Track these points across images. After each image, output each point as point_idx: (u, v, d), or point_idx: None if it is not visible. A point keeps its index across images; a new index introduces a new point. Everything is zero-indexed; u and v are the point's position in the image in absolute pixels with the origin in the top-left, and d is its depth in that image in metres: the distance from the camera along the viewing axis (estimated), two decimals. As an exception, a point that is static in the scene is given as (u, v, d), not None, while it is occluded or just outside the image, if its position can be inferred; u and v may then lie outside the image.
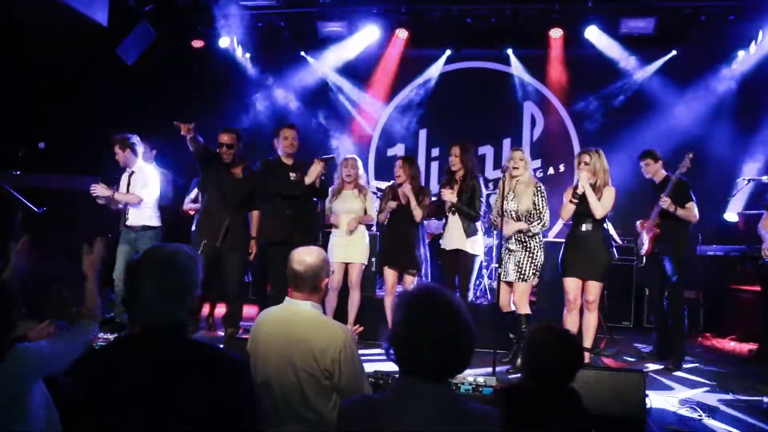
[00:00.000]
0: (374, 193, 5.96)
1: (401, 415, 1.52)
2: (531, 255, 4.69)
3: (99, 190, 5.01)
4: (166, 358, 1.66)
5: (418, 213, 5.06)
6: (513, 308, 4.83)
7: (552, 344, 2.15)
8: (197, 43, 7.96)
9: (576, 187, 4.66)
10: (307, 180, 4.94)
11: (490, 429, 1.55)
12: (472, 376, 3.65)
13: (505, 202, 4.69)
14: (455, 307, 1.60)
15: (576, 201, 4.63)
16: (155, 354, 1.66)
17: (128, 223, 5.20)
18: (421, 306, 1.59)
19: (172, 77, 7.83)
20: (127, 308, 1.71)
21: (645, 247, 5.10)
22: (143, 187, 5.14)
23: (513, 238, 4.74)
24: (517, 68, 8.02)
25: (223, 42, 7.97)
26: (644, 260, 5.20)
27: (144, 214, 5.18)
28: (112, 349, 1.72)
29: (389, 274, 5.20)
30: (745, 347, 5.65)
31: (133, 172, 5.19)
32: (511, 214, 4.74)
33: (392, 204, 5.14)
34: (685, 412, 3.81)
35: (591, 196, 4.56)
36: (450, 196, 4.93)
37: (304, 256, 2.43)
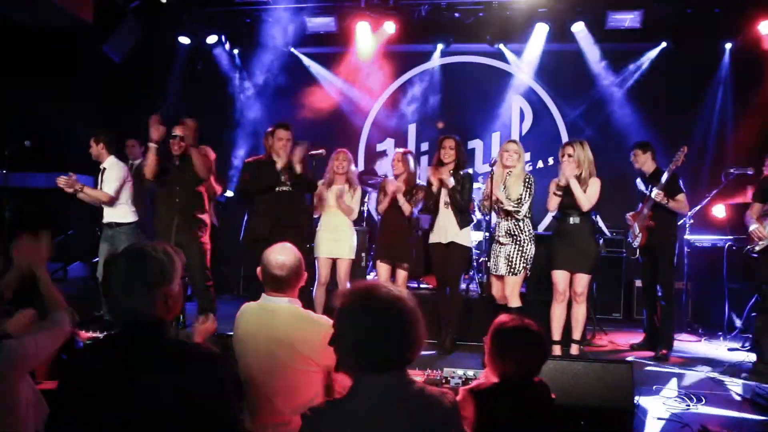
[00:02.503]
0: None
1: (358, 410, 1.54)
2: (521, 248, 4.71)
3: (63, 181, 4.87)
4: (143, 356, 1.64)
5: (406, 208, 5.07)
6: (505, 301, 4.85)
7: (513, 338, 2.14)
8: (184, 40, 7.90)
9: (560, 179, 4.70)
10: (298, 168, 4.87)
11: (443, 411, 1.57)
12: (462, 369, 3.67)
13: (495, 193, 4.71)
14: (393, 298, 1.60)
15: (559, 193, 4.67)
16: (132, 353, 1.65)
17: (104, 220, 5.17)
18: (357, 305, 1.60)
19: (159, 74, 7.78)
20: (106, 306, 1.71)
21: (639, 239, 5.14)
22: (111, 184, 5.08)
23: (503, 231, 4.76)
24: (505, 62, 8.03)
25: (211, 38, 7.93)
26: (637, 252, 5.24)
27: (117, 211, 5.13)
28: (92, 349, 1.71)
29: (382, 268, 5.21)
30: (733, 337, 5.71)
31: (104, 169, 5.15)
32: (501, 205, 4.76)
33: (385, 202, 5.14)
34: (673, 402, 3.85)
35: (576, 189, 4.59)
36: (447, 176, 4.92)
37: (281, 258, 2.38)
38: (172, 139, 4.94)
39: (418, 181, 5.25)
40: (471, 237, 5.16)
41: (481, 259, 6.42)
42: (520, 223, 4.73)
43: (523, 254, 4.70)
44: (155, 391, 1.59)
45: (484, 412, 2.00)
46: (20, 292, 2.60)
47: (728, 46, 7.30)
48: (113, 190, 5.06)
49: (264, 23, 7.61)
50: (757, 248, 4.56)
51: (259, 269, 2.42)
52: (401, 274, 5.18)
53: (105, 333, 4.13)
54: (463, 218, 4.97)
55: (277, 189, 4.96)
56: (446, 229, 4.98)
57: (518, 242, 4.71)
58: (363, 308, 1.59)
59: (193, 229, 4.96)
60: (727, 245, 5.84)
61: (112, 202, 5.08)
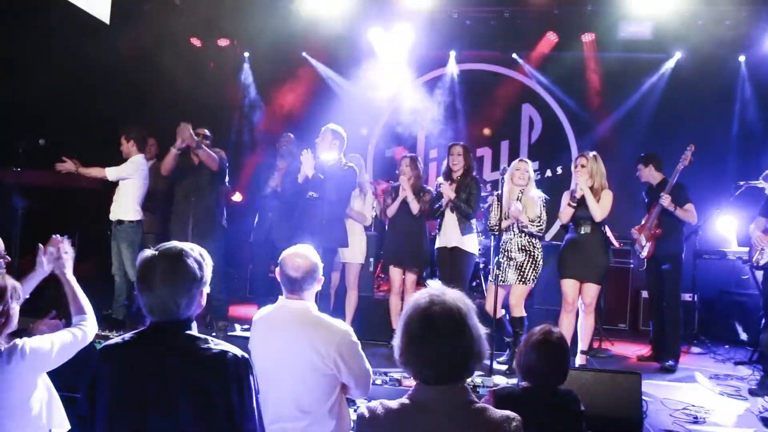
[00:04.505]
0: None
1: (417, 423, 1.53)
2: (534, 260, 4.74)
3: (61, 167, 4.95)
4: (173, 353, 1.69)
5: (414, 206, 5.07)
6: (502, 313, 4.84)
7: (536, 345, 2.21)
8: (196, 42, 7.96)
9: (574, 191, 4.71)
10: (300, 177, 4.81)
11: None
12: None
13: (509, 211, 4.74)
14: (461, 313, 1.57)
15: (575, 204, 4.68)
16: (163, 350, 1.69)
17: (110, 217, 5.23)
18: (426, 317, 1.57)
19: (170, 75, 7.81)
20: (141, 303, 1.74)
21: (646, 250, 5.13)
22: (117, 169, 5.14)
23: (516, 247, 4.76)
24: (516, 71, 8.06)
25: (222, 41, 7.99)
26: (645, 263, 5.24)
27: (121, 208, 5.18)
28: (123, 345, 1.74)
29: (395, 273, 5.22)
30: (740, 350, 5.69)
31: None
32: (525, 228, 4.77)
33: (395, 204, 5.17)
34: (680, 414, 3.84)
35: (590, 200, 4.60)
36: (448, 190, 4.94)
37: (299, 261, 2.40)
38: (204, 140, 5.08)
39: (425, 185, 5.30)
40: (476, 244, 5.17)
41: (489, 267, 6.43)
42: (533, 239, 4.76)
43: (536, 266, 4.74)
44: (186, 388, 1.63)
45: None
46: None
47: (742, 58, 7.30)
48: (113, 174, 5.09)
49: (275, 27, 7.64)
50: (762, 261, 4.54)
51: (277, 270, 2.45)
52: (410, 277, 5.19)
53: (114, 332, 4.18)
54: (467, 224, 4.98)
55: (305, 195, 4.91)
56: (450, 233, 5.00)
57: (531, 255, 4.74)
58: (417, 321, 1.57)
59: (208, 230, 5.01)
60: (735, 257, 5.83)
61: (105, 179, 5.13)
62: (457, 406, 1.55)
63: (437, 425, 1.52)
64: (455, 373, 1.57)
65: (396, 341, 1.62)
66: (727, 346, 5.83)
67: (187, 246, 1.78)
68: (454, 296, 1.61)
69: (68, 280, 2.45)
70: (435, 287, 1.64)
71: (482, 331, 1.61)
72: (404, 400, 1.58)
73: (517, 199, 4.81)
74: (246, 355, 1.72)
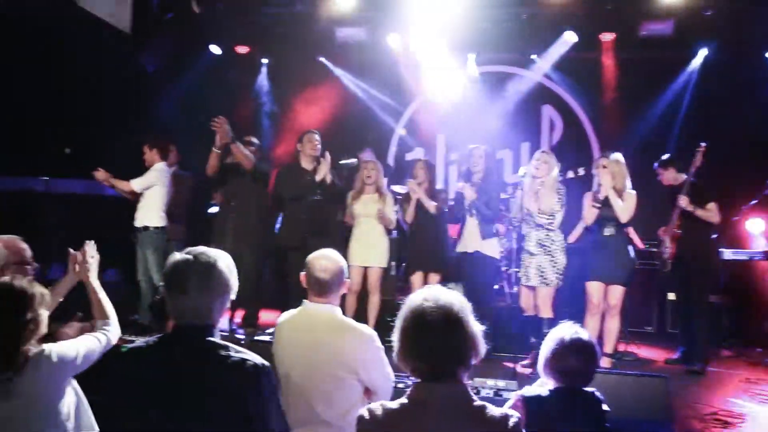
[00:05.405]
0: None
1: (416, 422, 1.54)
2: (553, 259, 4.67)
3: (98, 174, 5.14)
4: (195, 359, 1.70)
5: (431, 205, 5.08)
6: (535, 312, 4.81)
7: (570, 347, 2.19)
8: (216, 49, 8.06)
9: (597, 192, 4.65)
10: (318, 177, 5.03)
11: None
12: (493, 380, 3.66)
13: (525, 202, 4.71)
14: (453, 309, 1.61)
15: (599, 206, 4.62)
16: (185, 355, 1.71)
17: (135, 224, 5.34)
18: (418, 313, 1.61)
19: (191, 82, 7.92)
20: (167, 305, 1.76)
21: (668, 251, 5.05)
22: (141, 180, 5.24)
23: (534, 241, 4.73)
24: (535, 72, 7.99)
25: (241, 48, 8.07)
26: (669, 264, 5.14)
27: (145, 214, 5.29)
28: (146, 348, 1.76)
29: (416, 278, 5.22)
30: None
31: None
32: (530, 213, 4.74)
33: (411, 207, 5.17)
34: (710, 418, 3.76)
35: (615, 200, 4.54)
36: (470, 192, 4.92)
37: (326, 263, 2.43)
38: (248, 146, 5.22)
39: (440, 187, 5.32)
40: (497, 248, 5.14)
41: (511, 270, 6.38)
42: (551, 234, 4.71)
43: (555, 265, 4.67)
44: (205, 393, 1.65)
45: (535, 418, 2.02)
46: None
47: (768, 54, 7.14)
48: (139, 185, 5.23)
49: (294, 33, 7.70)
50: None
51: (303, 275, 2.47)
52: (433, 278, 5.18)
53: (140, 337, 4.23)
54: (487, 228, 4.95)
55: (309, 198, 5.04)
56: (471, 238, 4.98)
57: (549, 252, 4.68)
58: (410, 316, 1.62)
59: (250, 236, 5.06)
60: (765, 258, 5.69)
61: (134, 196, 5.28)
62: (455, 405, 1.56)
63: (436, 424, 1.53)
64: (449, 368, 1.59)
65: (394, 338, 1.67)
66: (760, 349, 5.69)
67: (218, 252, 1.82)
68: (449, 295, 1.65)
69: (92, 285, 2.49)
70: (433, 288, 1.69)
71: (477, 328, 1.64)
72: (403, 400, 1.60)
73: (536, 192, 4.76)
74: (267, 363, 1.73)
